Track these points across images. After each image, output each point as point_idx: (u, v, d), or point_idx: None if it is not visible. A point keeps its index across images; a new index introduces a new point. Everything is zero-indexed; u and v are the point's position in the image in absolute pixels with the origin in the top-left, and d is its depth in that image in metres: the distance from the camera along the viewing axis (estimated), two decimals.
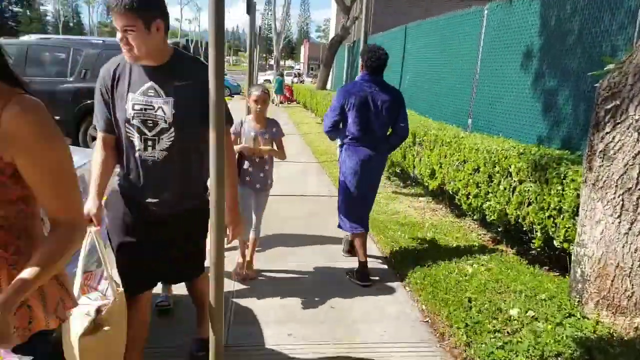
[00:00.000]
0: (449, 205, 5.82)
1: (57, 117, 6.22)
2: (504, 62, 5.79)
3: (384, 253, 4.52)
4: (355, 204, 3.85)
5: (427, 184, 5.92)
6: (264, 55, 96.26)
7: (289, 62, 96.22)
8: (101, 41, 8.07)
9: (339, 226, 4.02)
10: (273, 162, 3.85)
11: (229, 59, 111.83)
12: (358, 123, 3.63)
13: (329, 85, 20.67)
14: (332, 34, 23.58)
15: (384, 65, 3.70)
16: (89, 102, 7.19)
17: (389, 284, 3.87)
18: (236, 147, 3.55)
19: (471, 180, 4.67)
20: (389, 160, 7.02)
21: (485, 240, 4.77)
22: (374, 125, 3.66)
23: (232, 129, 3.23)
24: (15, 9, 65.24)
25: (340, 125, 3.78)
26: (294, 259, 4.29)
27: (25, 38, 9.03)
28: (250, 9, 5.96)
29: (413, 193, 6.65)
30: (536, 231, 3.81)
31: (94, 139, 6.63)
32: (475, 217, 5.00)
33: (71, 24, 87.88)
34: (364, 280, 3.78)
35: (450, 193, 5.30)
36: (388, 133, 3.83)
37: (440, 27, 7.99)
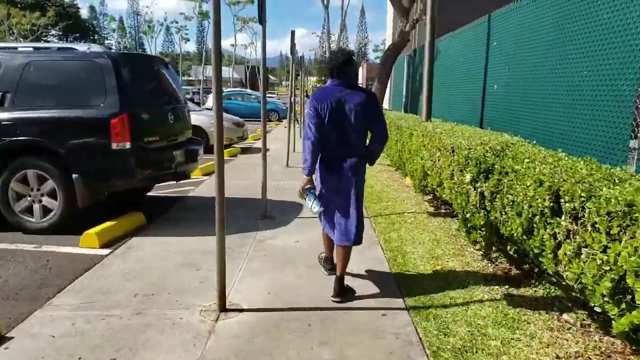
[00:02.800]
0: None
1: None
2: None
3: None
4: (328, 214, 3.68)
5: None
6: (322, 77, 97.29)
7: None
8: (31, 48, 5.66)
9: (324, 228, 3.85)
10: None
11: (287, 84, 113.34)
12: (330, 129, 3.45)
13: (385, 105, 19.32)
14: (389, 42, 22.43)
15: (347, 65, 3.51)
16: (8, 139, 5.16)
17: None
18: None
19: None
20: None
21: None
22: (347, 131, 3.47)
23: None
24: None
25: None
26: None
27: None
28: (262, 18, 5.47)
29: None
30: None
31: (19, 196, 5.33)
32: None
33: None
34: (334, 293, 3.61)
35: None
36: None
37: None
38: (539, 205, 3.07)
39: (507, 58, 6.80)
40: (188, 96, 35.57)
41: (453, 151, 4.93)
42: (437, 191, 5.53)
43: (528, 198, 3.22)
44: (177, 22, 58.76)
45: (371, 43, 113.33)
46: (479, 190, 4.05)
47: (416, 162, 6.47)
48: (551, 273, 3.06)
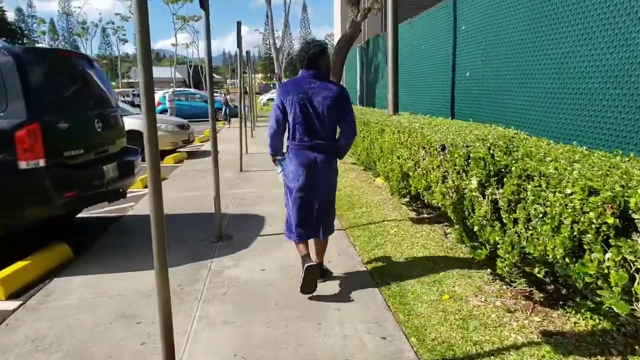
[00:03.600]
0: None
1: None
2: None
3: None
4: (299, 211, 3.54)
5: None
6: (268, 74, 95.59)
7: None
8: None
9: (287, 236, 3.71)
10: None
11: (233, 82, 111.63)
12: (298, 122, 3.38)
13: None
14: (337, 36, 21.46)
15: (319, 56, 3.41)
16: None
17: None
18: None
19: None
20: None
21: None
22: (315, 124, 3.38)
23: None
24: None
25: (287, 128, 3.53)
26: None
27: None
28: (205, 3, 4.58)
29: None
30: None
31: None
32: None
33: None
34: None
35: None
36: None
37: None
38: (593, 220, 2.30)
39: (480, 41, 6.12)
40: (129, 99, 33.49)
41: (443, 149, 4.16)
42: (424, 196, 4.75)
43: (570, 210, 2.46)
44: (113, 23, 55.68)
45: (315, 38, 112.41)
46: (489, 197, 3.28)
47: (392, 162, 5.68)
48: (621, 314, 2.30)
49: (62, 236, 5.12)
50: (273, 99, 47.36)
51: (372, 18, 16.60)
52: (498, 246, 3.22)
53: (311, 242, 3.74)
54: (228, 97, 21.77)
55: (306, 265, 3.43)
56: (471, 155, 3.53)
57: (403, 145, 5.18)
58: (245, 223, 5.57)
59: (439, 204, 4.30)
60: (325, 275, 3.86)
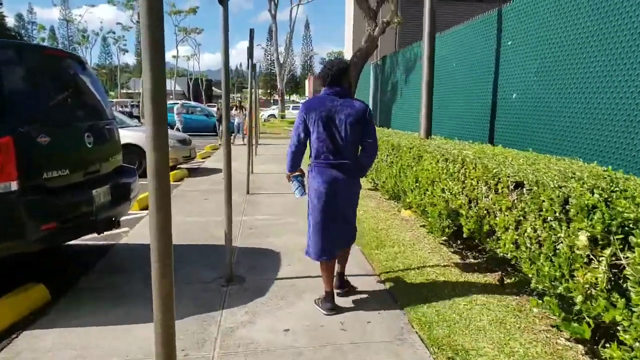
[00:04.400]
0: None
1: None
2: None
3: None
4: (322, 229, 3.46)
5: None
6: (268, 90, 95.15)
7: (294, 97, 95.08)
8: None
9: (306, 253, 3.62)
10: None
11: (234, 96, 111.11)
12: (321, 140, 3.36)
13: None
14: (348, 54, 20.75)
15: (342, 75, 3.42)
16: None
17: None
18: None
19: None
20: None
21: None
22: (338, 142, 3.37)
23: None
24: None
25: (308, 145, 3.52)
26: None
27: None
28: None
29: None
30: None
31: None
32: None
33: None
34: (337, 285, 3.77)
35: None
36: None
37: None
38: None
39: (534, 57, 5.36)
40: (127, 109, 32.68)
41: (518, 187, 3.34)
42: (482, 241, 3.91)
43: None
44: (114, 33, 55.14)
45: (317, 56, 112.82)
46: (607, 261, 2.44)
47: (432, 195, 4.85)
48: None
49: (39, 271, 4.27)
50: (274, 115, 46.84)
51: (388, 34, 15.94)
52: (618, 327, 2.39)
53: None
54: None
55: (326, 307, 3.53)
56: (572, 200, 2.71)
57: (453, 178, 4.36)
58: (257, 260, 4.71)
59: (509, 255, 3.46)
60: (347, 287, 3.88)
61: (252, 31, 8.02)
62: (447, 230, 4.59)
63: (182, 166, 11.42)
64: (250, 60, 8.97)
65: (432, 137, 6.54)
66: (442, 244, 5.15)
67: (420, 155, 5.31)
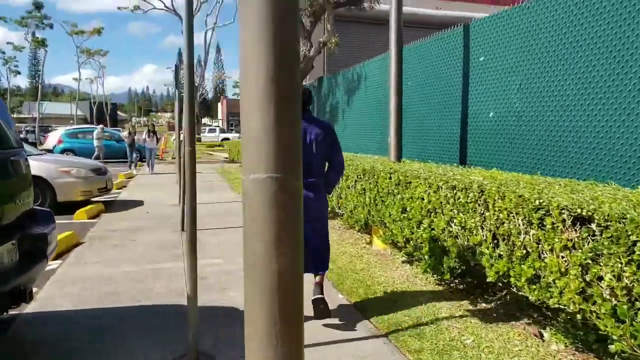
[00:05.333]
0: None
1: None
2: None
3: None
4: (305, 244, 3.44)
5: None
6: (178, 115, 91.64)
7: (205, 120, 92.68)
8: None
9: None
10: None
11: (140, 120, 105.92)
12: None
13: None
14: None
15: (307, 100, 3.67)
16: None
17: None
18: None
19: None
20: None
21: None
22: (309, 160, 3.53)
23: None
24: None
25: None
26: None
27: None
28: None
29: None
30: None
31: None
32: None
33: None
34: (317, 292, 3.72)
35: None
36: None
37: None
38: None
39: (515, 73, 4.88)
40: (21, 135, 29.26)
41: (583, 222, 2.66)
42: (527, 291, 3.14)
43: None
44: (3, 53, 50.04)
45: (230, 79, 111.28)
46: None
47: (431, 230, 4.10)
48: None
49: None
50: (228, 138, 47.27)
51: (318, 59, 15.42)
52: None
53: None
54: (136, 137, 18.06)
55: (312, 298, 3.54)
56: None
57: (466, 209, 3.62)
58: (224, 327, 3.63)
59: (570, 308, 2.75)
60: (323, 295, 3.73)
61: (177, 67, 7.52)
62: (455, 272, 3.84)
63: (97, 199, 9.83)
64: (177, 90, 7.93)
65: (404, 160, 5.86)
66: (438, 284, 4.40)
67: (407, 181, 4.56)
